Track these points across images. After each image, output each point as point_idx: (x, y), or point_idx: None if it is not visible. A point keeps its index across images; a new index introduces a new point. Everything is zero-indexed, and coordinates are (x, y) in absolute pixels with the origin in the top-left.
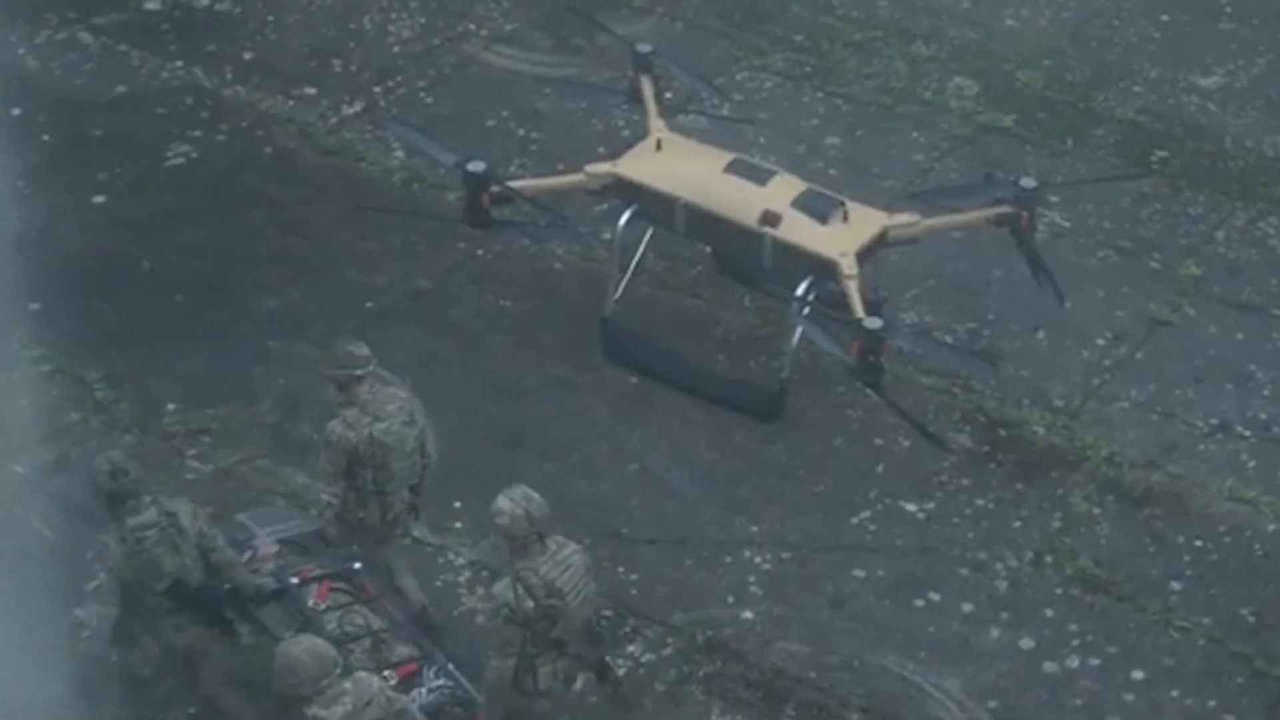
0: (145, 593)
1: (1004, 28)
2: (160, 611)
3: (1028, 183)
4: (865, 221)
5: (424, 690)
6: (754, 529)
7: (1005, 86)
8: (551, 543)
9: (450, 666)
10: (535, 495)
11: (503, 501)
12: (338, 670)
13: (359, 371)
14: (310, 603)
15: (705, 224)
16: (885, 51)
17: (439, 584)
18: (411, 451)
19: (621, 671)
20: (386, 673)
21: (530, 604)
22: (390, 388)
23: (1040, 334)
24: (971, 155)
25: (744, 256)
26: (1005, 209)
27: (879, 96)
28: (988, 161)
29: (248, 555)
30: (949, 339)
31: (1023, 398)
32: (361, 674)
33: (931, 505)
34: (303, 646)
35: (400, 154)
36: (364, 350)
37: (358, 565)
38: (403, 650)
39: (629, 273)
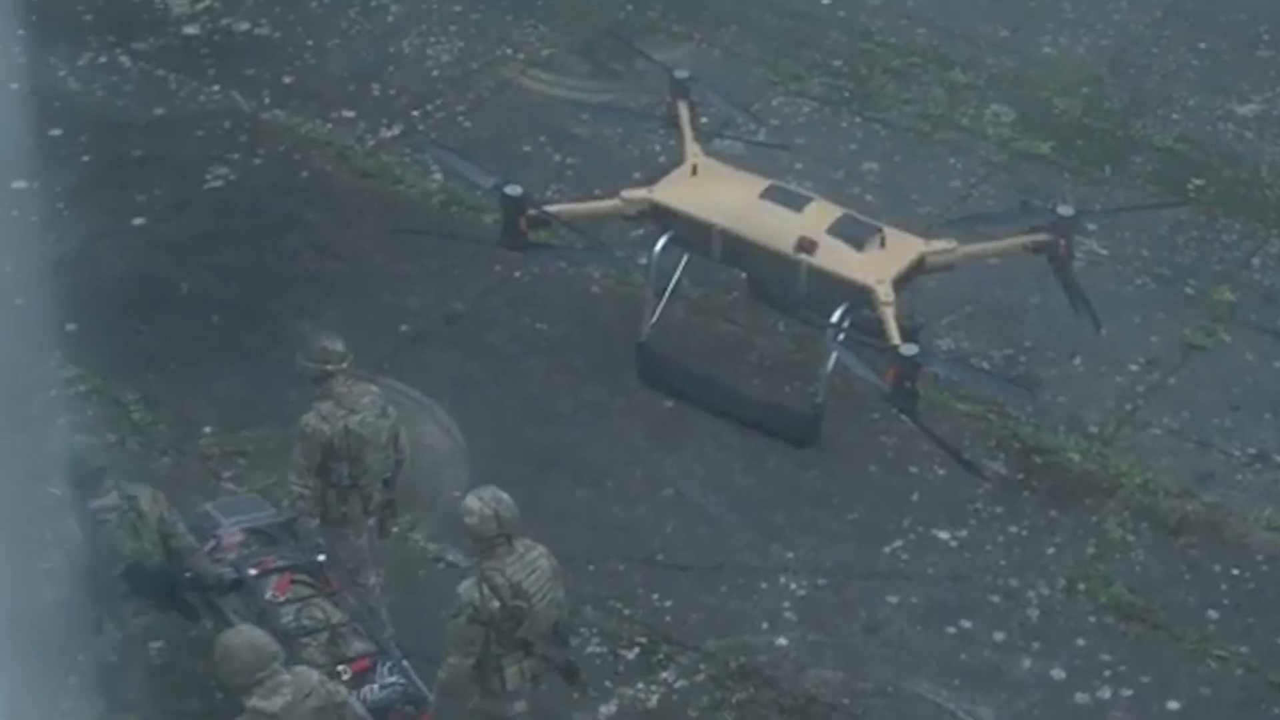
0: (104, 576)
1: (1042, 55)
2: (118, 596)
3: (1065, 210)
4: (902, 248)
5: (376, 686)
6: (789, 555)
7: (1043, 114)
8: (519, 544)
9: (405, 663)
10: (505, 496)
11: (472, 501)
12: (277, 662)
13: (331, 367)
14: (269, 595)
15: (741, 250)
16: (923, 78)
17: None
18: (385, 444)
19: (655, 699)
20: (340, 667)
21: (496, 604)
22: (363, 383)
23: (1076, 360)
24: (1008, 182)
25: (779, 283)
26: (1042, 236)
27: (917, 123)
28: (1025, 189)
29: (211, 544)
30: (985, 366)
31: (1058, 424)
32: (301, 667)
33: (965, 533)
34: (241, 638)
35: (438, 177)
36: (339, 345)
37: (321, 558)
38: (359, 645)
39: (665, 298)
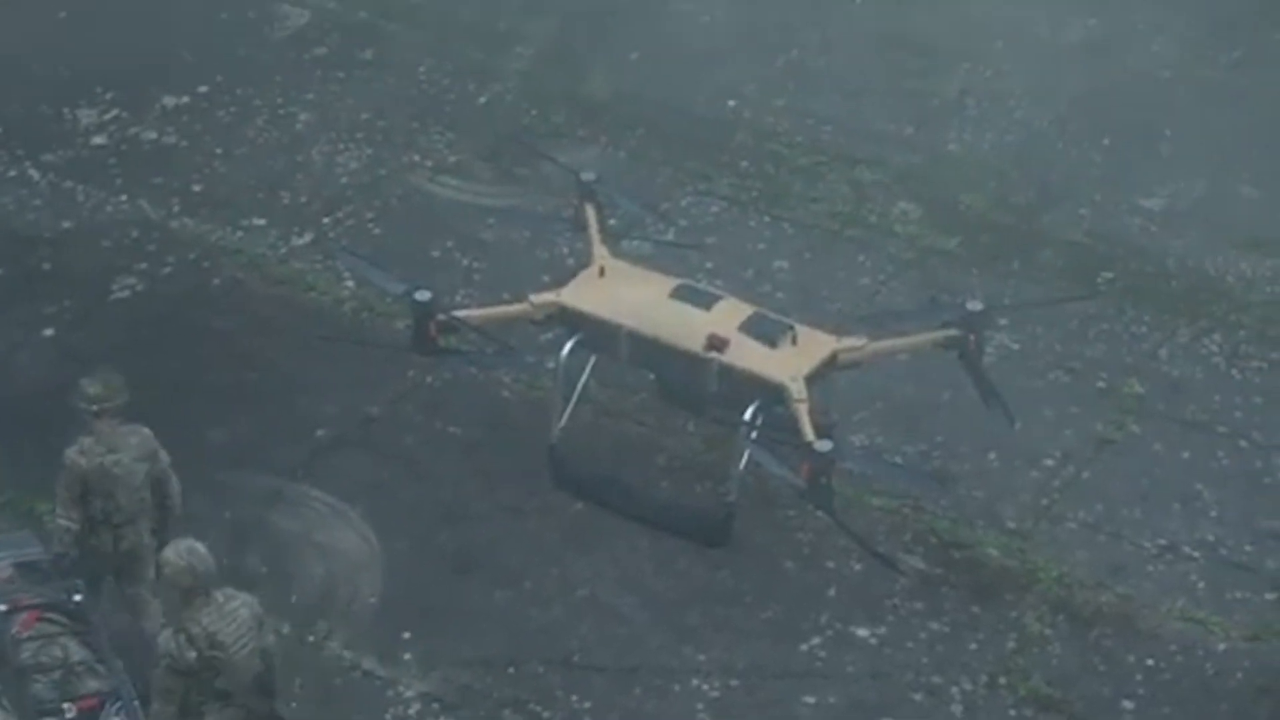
0: None
1: (947, 152)
2: None
3: (974, 305)
4: (814, 345)
5: None
6: (701, 657)
7: (949, 210)
8: (219, 595)
9: (135, 704)
10: (200, 548)
11: (169, 553)
12: None
13: (95, 407)
14: (14, 631)
15: (650, 350)
16: (830, 176)
17: (388, 717)
18: (139, 486)
19: None
20: (66, 705)
21: (192, 654)
22: (134, 425)
23: (991, 455)
24: (917, 279)
25: (690, 382)
26: (953, 332)
27: (825, 220)
28: (934, 284)
29: None
30: (899, 460)
31: (975, 519)
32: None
33: (884, 630)
34: None
35: (350, 283)
36: (98, 389)
37: (78, 597)
38: (92, 684)
39: (573, 400)
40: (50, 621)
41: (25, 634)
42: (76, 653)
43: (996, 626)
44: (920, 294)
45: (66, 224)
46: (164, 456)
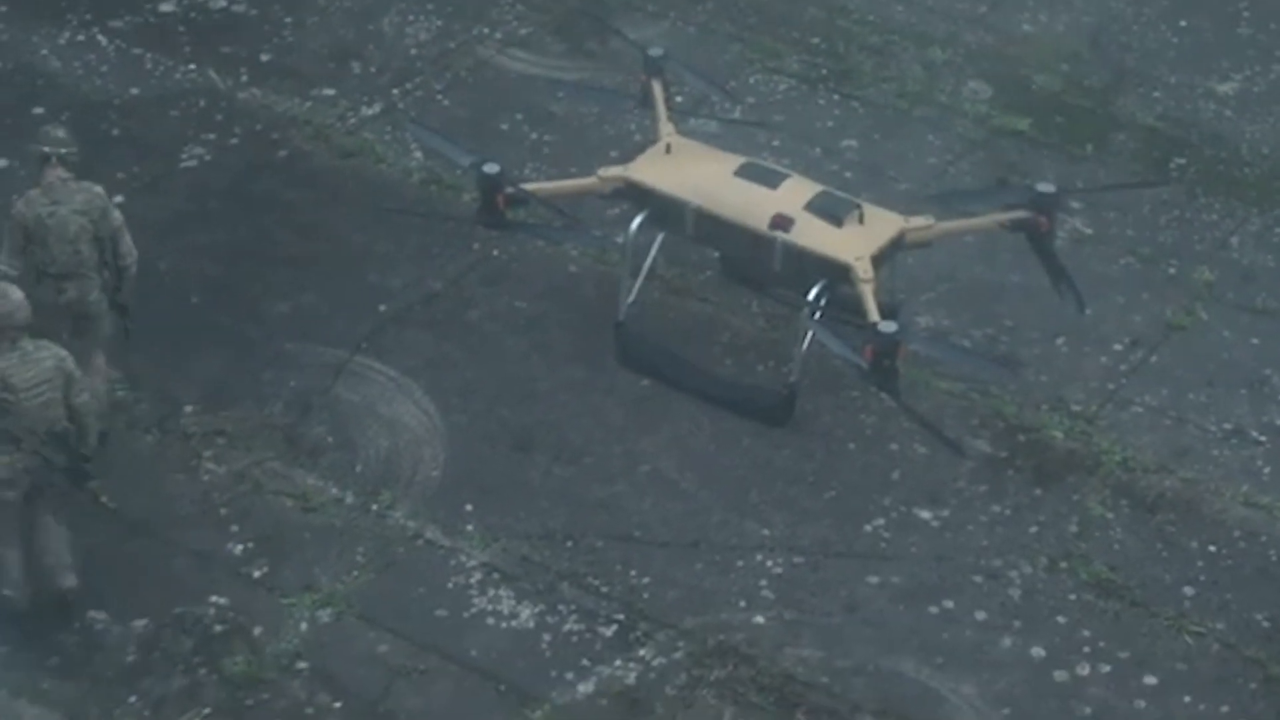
0: None
1: (1020, 32)
2: None
3: (1045, 188)
4: (881, 224)
5: None
6: (764, 533)
7: (1022, 91)
8: (30, 344)
9: None
10: (14, 294)
11: None
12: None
13: (48, 149)
14: None
15: (715, 228)
16: (901, 55)
17: (450, 585)
18: (73, 238)
19: (632, 676)
20: None
21: None
22: (86, 184)
23: (1059, 339)
24: (987, 160)
25: (754, 261)
26: (1023, 214)
27: (895, 100)
28: (1004, 166)
29: None
30: (966, 344)
31: (1041, 403)
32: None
33: (947, 512)
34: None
35: (418, 155)
36: (58, 134)
37: None
38: None
39: (641, 277)
40: None
41: None
42: None
43: (1059, 510)
44: (990, 175)
45: (135, 91)
46: (116, 216)
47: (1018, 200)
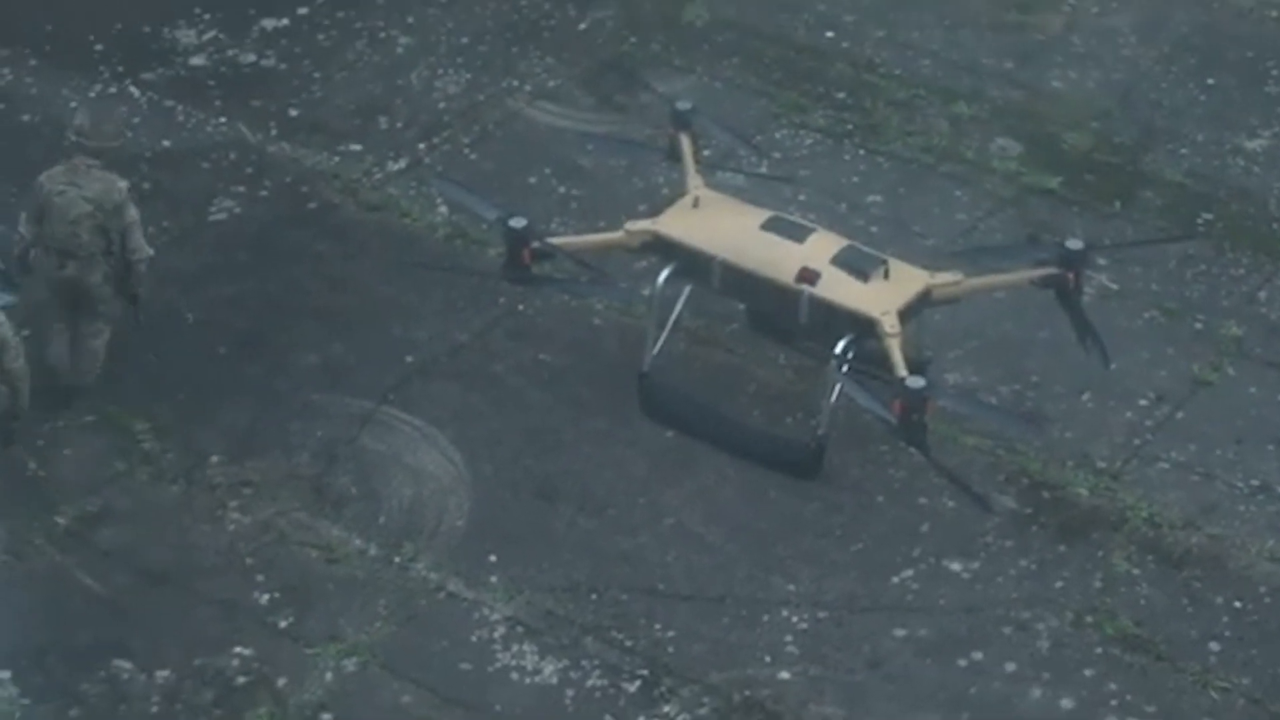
0: None
1: (1049, 89)
2: None
3: (1074, 244)
4: (908, 279)
5: None
6: (790, 587)
7: (1051, 148)
8: None
9: None
10: None
11: None
12: None
13: (74, 138)
14: None
15: (742, 282)
16: (928, 110)
17: (473, 639)
18: (74, 221)
19: None
20: None
21: None
22: (110, 175)
23: (1085, 395)
24: (1015, 217)
25: (781, 314)
26: (1051, 270)
27: (921, 155)
28: (1032, 223)
29: None
30: (993, 400)
31: (1067, 459)
32: None
33: (976, 565)
34: None
35: (444, 210)
36: (83, 121)
37: None
38: None
39: (667, 329)
40: None
41: None
42: None
43: (1084, 565)
44: (1018, 232)
45: (166, 143)
46: (130, 213)
47: (1046, 256)
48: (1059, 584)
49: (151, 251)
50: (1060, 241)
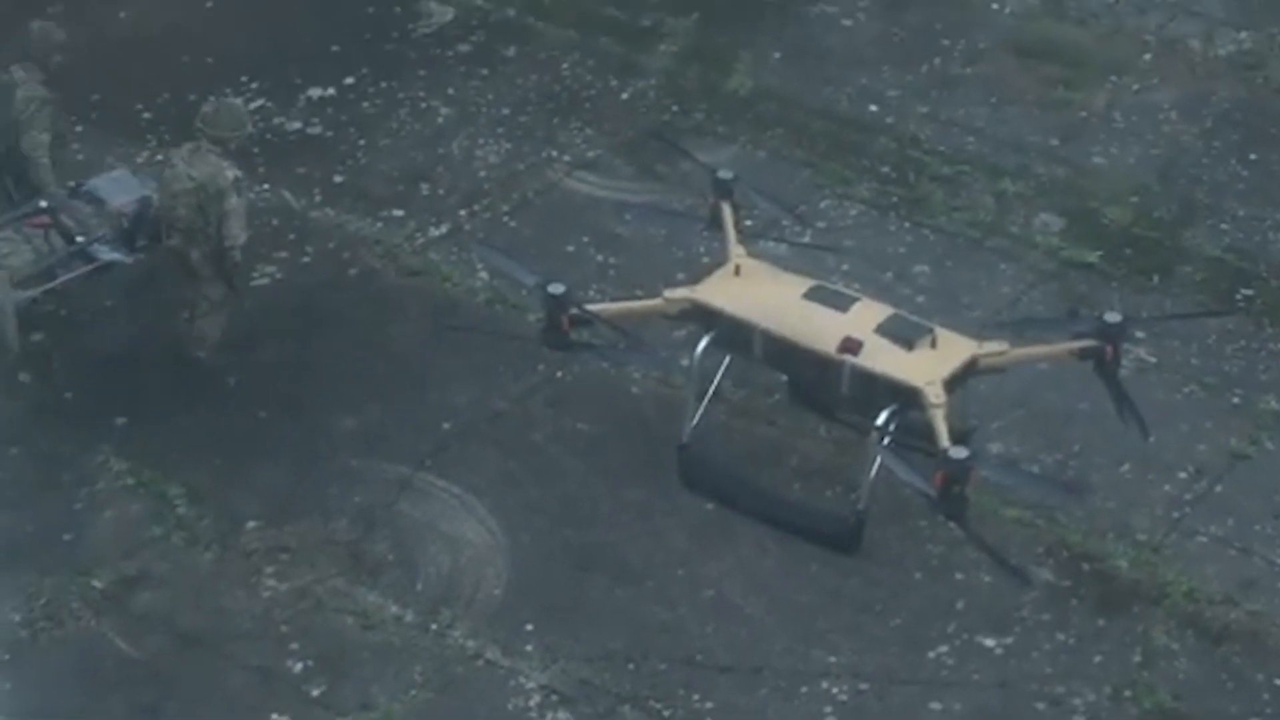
0: None
1: (1091, 165)
2: None
3: (1112, 317)
4: (954, 349)
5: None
6: (830, 660)
7: (1092, 223)
8: None
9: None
10: None
11: None
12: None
13: (198, 124)
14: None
15: (783, 351)
16: (973, 186)
17: (509, 707)
18: (173, 195)
19: None
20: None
21: None
22: (223, 161)
23: (1125, 467)
24: (1058, 290)
25: (822, 384)
26: (1090, 342)
27: (966, 229)
28: (1074, 296)
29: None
30: (1035, 469)
31: (1107, 531)
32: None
33: (1010, 640)
34: None
35: (484, 275)
36: (208, 110)
37: (43, 204)
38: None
39: (706, 399)
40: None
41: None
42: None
43: (1123, 639)
44: (1060, 305)
45: None
46: (231, 201)
47: (1086, 329)
48: (1097, 658)
49: (244, 239)
50: (1099, 315)
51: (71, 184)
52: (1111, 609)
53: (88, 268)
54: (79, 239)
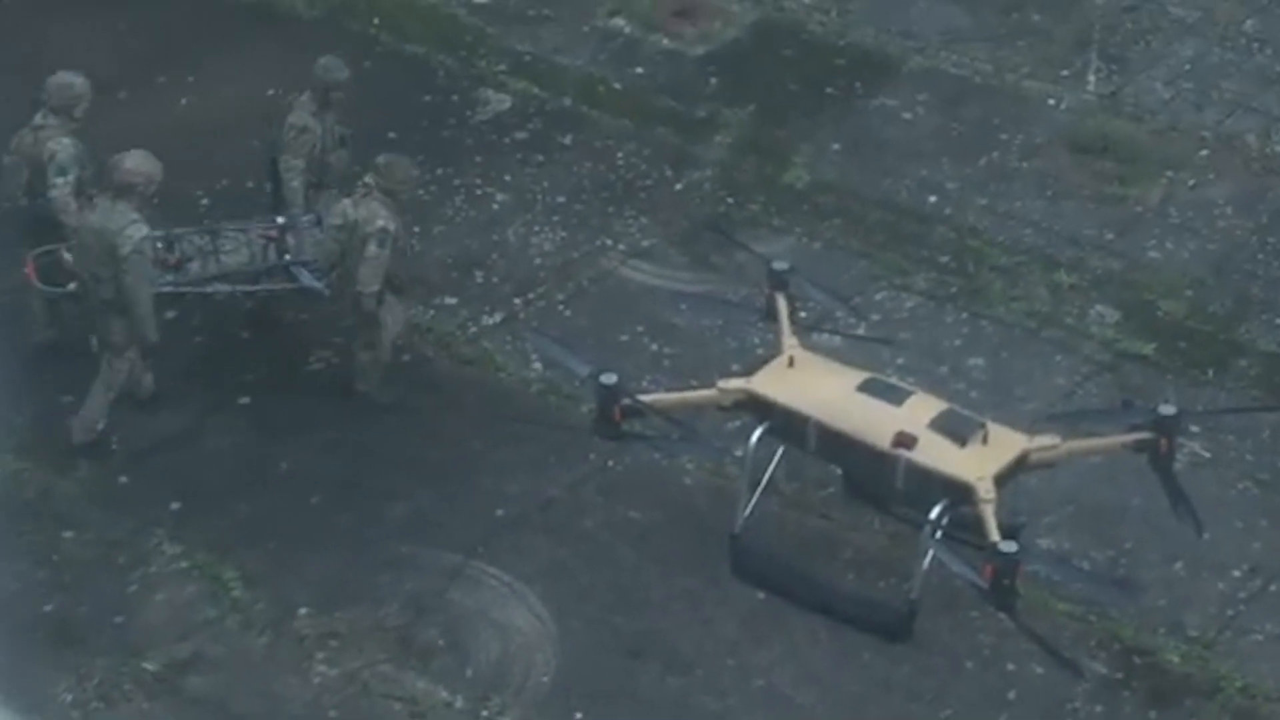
0: None
1: (1147, 259)
2: None
3: (1166, 410)
4: (1005, 444)
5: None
6: None
7: (1147, 315)
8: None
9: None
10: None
11: None
12: None
13: (370, 176)
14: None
15: (837, 444)
16: (1029, 277)
17: None
18: (333, 228)
19: None
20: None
21: None
22: (388, 210)
23: (1178, 564)
24: (1112, 382)
25: (876, 478)
26: (1144, 435)
27: (1023, 320)
28: (1128, 388)
29: None
30: (1086, 565)
31: (1159, 626)
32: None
33: None
34: None
35: (537, 365)
36: (381, 162)
37: (279, 220)
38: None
39: (759, 490)
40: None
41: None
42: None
43: None
44: (1115, 397)
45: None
46: (371, 249)
47: (1140, 422)
48: None
49: (372, 289)
50: (1154, 407)
51: (317, 212)
52: (1164, 703)
53: (288, 285)
54: (286, 257)
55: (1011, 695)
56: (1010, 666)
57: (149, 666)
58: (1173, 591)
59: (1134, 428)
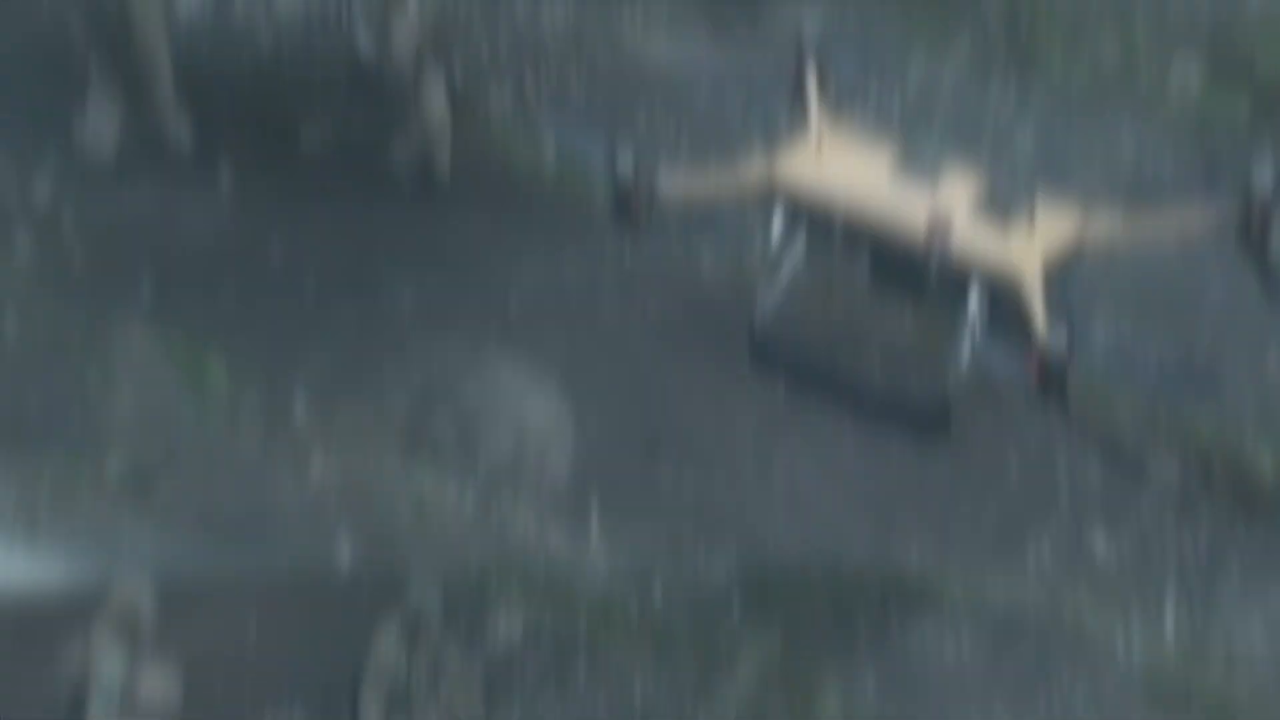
0: None
1: (1240, 5)
2: None
3: (1261, 177)
4: (1055, 225)
5: None
6: (912, 553)
7: (1238, 72)
8: None
9: None
10: None
11: None
12: None
13: None
14: None
15: (867, 229)
16: (1096, 32)
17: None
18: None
19: None
20: None
21: None
22: None
23: (1268, 359)
24: (1192, 150)
25: (909, 265)
26: (1232, 209)
27: (1084, 82)
28: (1211, 157)
29: None
30: (1153, 358)
31: (1244, 425)
32: None
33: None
34: None
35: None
36: None
37: None
38: None
39: (783, 279)
40: None
41: None
42: None
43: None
44: (1194, 166)
45: None
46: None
47: (1227, 194)
48: None
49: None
50: (1244, 175)
51: None
52: (1250, 513)
53: None
54: None
55: (1063, 501)
56: (1061, 467)
57: (112, 467)
58: (1262, 387)
59: (1220, 201)
